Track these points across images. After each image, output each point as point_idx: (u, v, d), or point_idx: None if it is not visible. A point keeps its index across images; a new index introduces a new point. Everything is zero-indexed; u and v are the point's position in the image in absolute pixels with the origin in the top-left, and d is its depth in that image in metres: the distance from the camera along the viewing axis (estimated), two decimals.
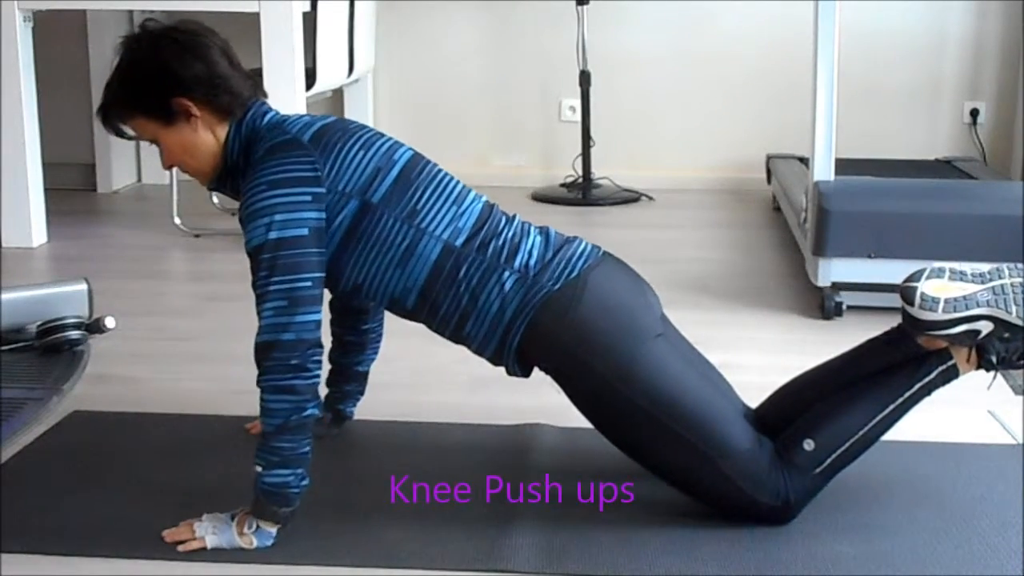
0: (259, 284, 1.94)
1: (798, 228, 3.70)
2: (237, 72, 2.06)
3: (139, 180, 5.46)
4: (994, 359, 2.02)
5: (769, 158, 4.84)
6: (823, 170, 3.41)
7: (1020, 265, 2.05)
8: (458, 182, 2.12)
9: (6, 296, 2.80)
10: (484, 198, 2.13)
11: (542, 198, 5.06)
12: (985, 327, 2.00)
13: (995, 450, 2.41)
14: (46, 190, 4.25)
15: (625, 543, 1.98)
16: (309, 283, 1.94)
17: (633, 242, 4.27)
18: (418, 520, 2.06)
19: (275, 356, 1.90)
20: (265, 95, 2.12)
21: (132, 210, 4.98)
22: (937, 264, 2.06)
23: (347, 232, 2.00)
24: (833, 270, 3.30)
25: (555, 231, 2.12)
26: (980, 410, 2.61)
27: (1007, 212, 3.24)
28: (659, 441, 2.00)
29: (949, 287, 2.01)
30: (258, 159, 2.00)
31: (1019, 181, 4.61)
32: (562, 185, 5.14)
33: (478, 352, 2.08)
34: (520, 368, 2.07)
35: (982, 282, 2.02)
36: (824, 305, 3.29)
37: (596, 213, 4.87)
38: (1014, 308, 1.99)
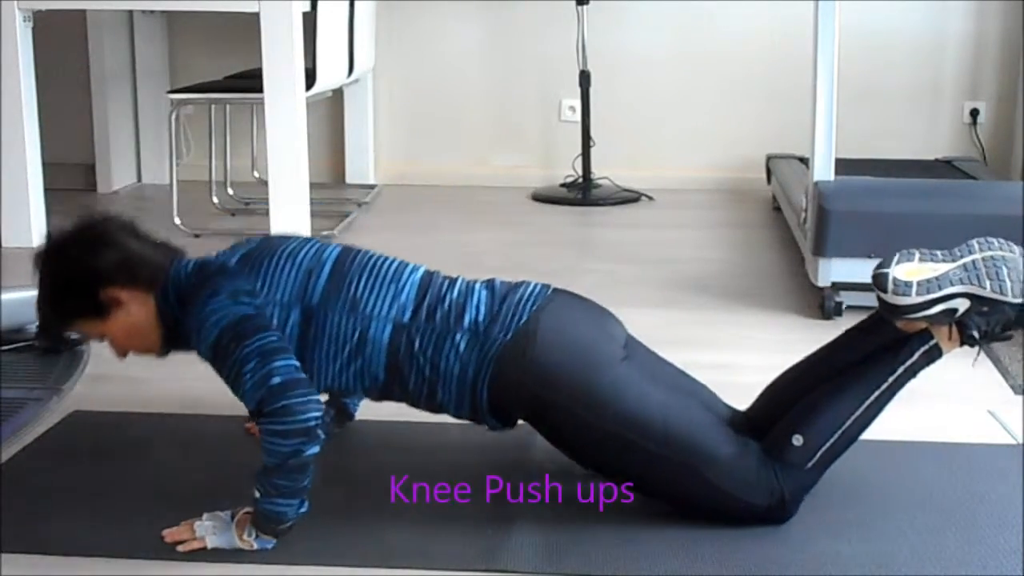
0: (230, 361, 1.94)
1: (798, 228, 3.70)
2: (147, 244, 2.09)
3: (139, 180, 5.46)
4: (976, 334, 2.02)
5: (769, 158, 4.84)
6: (823, 170, 3.41)
7: (989, 239, 2.05)
8: (392, 260, 2.13)
9: (6, 296, 2.81)
10: (423, 268, 2.14)
11: (542, 198, 5.06)
12: (962, 304, 2.00)
13: (995, 450, 2.41)
14: (46, 190, 4.25)
15: (625, 543, 1.98)
16: (275, 337, 1.95)
17: (633, 242, 4.27)
18: (418, 520, 2.06)
19: (269, 406, 1.90)
20: (182, 254, 2.13)
21: (132, 210, 4.96)
22: (908, 249, 2.06)
23: (299, 340, 2.01)
24: (833, 270, 3.30)
25: (500, 281, 2.12)
26: (980, 410, 2.61)
27: (1007, 212, 3.24)
28: (642, 464, 2.00)
29: (920, 269, 2.01)
30: (194, 295, 2.01)
31: (1019, 181, 4.61)
32: (562, 185, 5.15)
33: (457, 416, 2.08)
34: (500, 421, 2.08)
35: (952, 260, 2.02)
36: (824, 305, 3.29)
37: (596, 213, 4.87)
38: (987, 283, 1.99)
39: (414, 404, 2.09)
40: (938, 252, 2.05)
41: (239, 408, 2.51)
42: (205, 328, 1.96)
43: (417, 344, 2.01)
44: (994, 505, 2.13)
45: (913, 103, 5.11)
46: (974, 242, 2.05)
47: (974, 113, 5.09)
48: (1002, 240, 2.06)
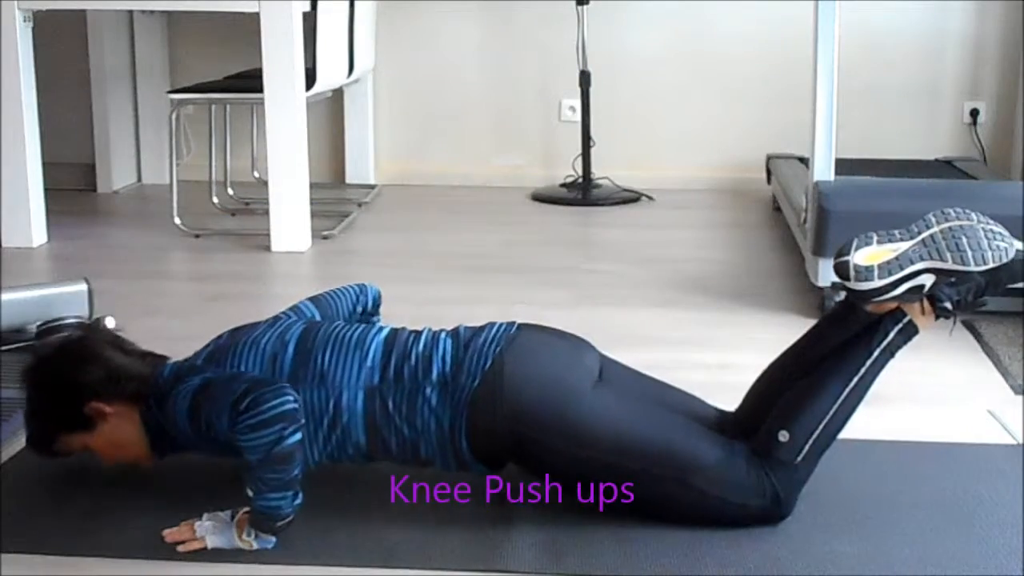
0: (206, 406, 1.95)
1: (798, 228, 3.70)
2: (132, 356, 2.11)
3: (139, 180, 5.46)
4: (949, 306, 2.02)
5: (769, 158, 4.84)
6: (823, 170, 3.41)
7: (946, 210, 2.04)
8: (356, 327, 2.12)
9: (6, 296, 2.81)
10: (387, 328, 2.13)
11: (542, 198, 5.06)
12: (928, 279, 2.00)
13: (995, 450, 2.41)
14: (46, 190, 4.25)
15: (625, 543, 1.98)
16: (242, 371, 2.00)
17: (633, 242, 4.27)
18: (418, 520, 2.06)
19: (237, 409, 1.89)
20: (164, 360, 2.14)
21: (132, 210, 4.98)
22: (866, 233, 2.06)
23: None
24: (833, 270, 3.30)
25: (465, 327, 2.12)
26: (980, 410, 2.61)
27: (1007, 212, 3.22)
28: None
29: (880, 252, 2.01)
30: (167, 397, 2.02)
31: (1019, 181, 4.61)
32: (562, 185, 5.15)
33: (444, 469, 2.08)
34: (485, 466, 2.07)
35: (911, 237, 2.02)
36: (824, 305, 3.28)
37: (596, 213, 4.87)
38: (948, 255, 1.99)
39: (403, 463, 2.08)
40: (896, 232, 2.04)
41: None
42: (179, 406, 1.99)
43: (391, 405, 2.01)
44: (994, 505, 2.13)
45: (913, 103, 5.11)
46: (931, 215, 2.04)
47: (974, 113, 5.09)
48: (959, 209, 2.04)
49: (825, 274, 3.31)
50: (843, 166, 3.54)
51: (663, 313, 3.37)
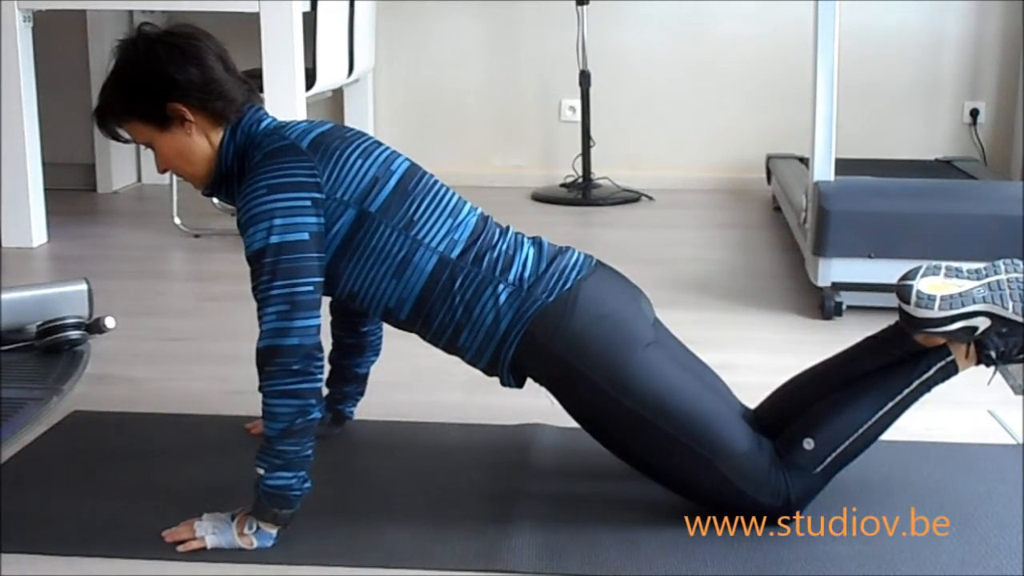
0: (260, 289, 1.94)
1: (798, 228, 3.70)
2: (232, 77, 2.05)
3: (139, 180, 5.46)
4: (993, 354, 2.02)
5: (769, 158, 4.84)
6: (823, 170, 3.41)
7: (1016, 261, 2.05)
8: (454, 194, 2.12)
9: (6, 296, 2.81)
10: (479, 210, 2.13)
11: (542, 198, 5.06)
12: (982, 323, 2.00)
13: (995, 450, 2.41)
14: (46, 190, 4.25)
15: (625, 543, 1.98)
16: (310, 287, 1.94)
17: (633, 242, 4.27)
18: (418, 520, 2.06)
19: (277, 361, 1.90)
20: (261, 100, 2.11)
21: (132, 210, 4.98)
22: (933, 262, 2.07)
23: (344, 240, 2.00)
24: (833, 270, 3.30)
25: (548, 241, 2.13)
26: (980, 410, 2.61)
27: (1007, 212, 3.24)
28: (656, 447, 2.00)
29: (945, 284, 2.01)
30: (256, 164, 2.00)
31: (1019, 181, 4.61)
32: (562, 185, 5.15)
33: (472, 363, 2.08)
34: (514, 379, 2.08)
35: (978, 278, 2.02)
36: (824, 305, 3.29)
37: (596, 213, 4.87)
38: (1010, 304, 1.99)
39: (432, 341, 2.08)
40: (964, 268, 2.05)
41: (239, 408, 2.52)
42: (255, 227, 1.94)
43: (458, 283, 2.01)
44: (994, 505, 2.13)
45: (913, 103, 5.11)
46: (1000, 263, 2.05)
47: (974, 113, 5.09)
48: None
49: (825, 274, 3.31)
50: (843, 166, 3.54)
51: (663, 313, 3.35)
